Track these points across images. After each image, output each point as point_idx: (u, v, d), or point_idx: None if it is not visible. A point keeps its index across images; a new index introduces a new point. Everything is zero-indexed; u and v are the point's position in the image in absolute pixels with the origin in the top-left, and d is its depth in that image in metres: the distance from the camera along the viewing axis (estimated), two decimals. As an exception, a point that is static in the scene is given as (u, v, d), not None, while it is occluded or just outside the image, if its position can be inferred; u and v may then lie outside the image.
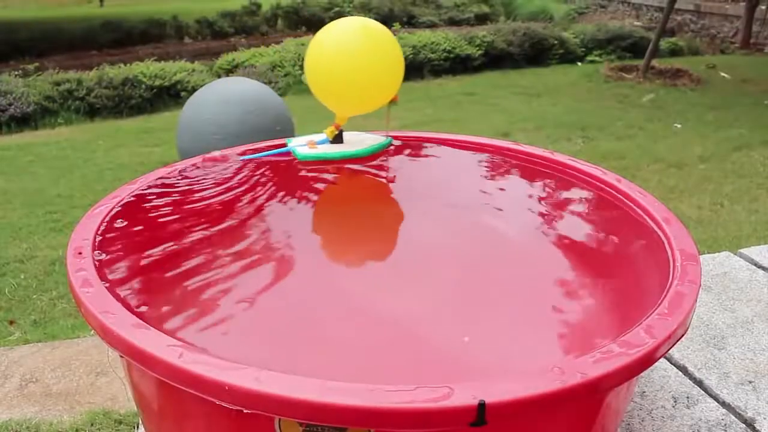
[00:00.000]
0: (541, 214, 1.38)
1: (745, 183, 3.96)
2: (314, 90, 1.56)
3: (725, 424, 1.26)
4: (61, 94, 5.59)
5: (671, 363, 1.46)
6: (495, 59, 7.46)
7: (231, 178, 1.49)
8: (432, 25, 9.69)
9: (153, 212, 1.31)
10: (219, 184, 1.46)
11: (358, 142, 1.62)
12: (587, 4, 11.66)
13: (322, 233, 1.36)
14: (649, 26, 9.55)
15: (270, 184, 1.47)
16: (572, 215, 1.37)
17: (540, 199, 1.45)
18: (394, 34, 1.57)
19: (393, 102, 1.56)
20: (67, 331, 2.31)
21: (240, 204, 1.39)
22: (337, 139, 1.59)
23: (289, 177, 1.53)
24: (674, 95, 6.31)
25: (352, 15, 9.74)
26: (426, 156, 1.70)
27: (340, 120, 1.57)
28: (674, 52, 8.40)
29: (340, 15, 9.83)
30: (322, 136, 1.59)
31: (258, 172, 1.52)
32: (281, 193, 1.43)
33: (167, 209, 1.33)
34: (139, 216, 1.27)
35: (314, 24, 9.66)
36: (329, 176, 1.54)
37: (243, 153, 1.58)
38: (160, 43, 8.63)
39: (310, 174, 1.54)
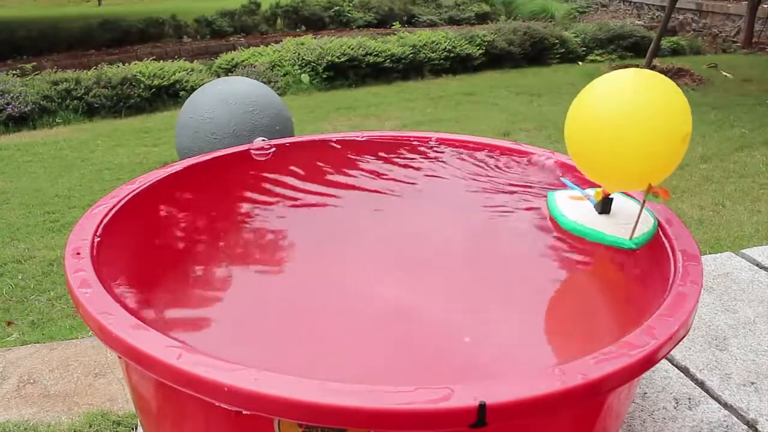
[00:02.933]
0: (542, 214, 1.38)
1: (747, 183, 3.95)
2: (572, 154, 1.29)
3: (727, 426, 1.26)
4: (59, 94, 5.57)
5: (673, 364, 1.46)
6: (495, 59, 7.44)
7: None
8: (432, 25, 9.67)
9: (151, 213, 1.30)
10: (219, 186, 1.45)
11: (619, 218, 1.27)
12: (588, 3, 11.65)
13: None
14: (650, 25, 9.55)
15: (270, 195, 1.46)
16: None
17: (541, 198, 1.44)
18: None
19: (655, 194, 1.20)
20: (65, 331, 2.30)
21: (235, 209, 1.38)
22: (603, 206, 1.29)
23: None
24: (675, 95, 6.29)
25: (352, 15, 9.70)
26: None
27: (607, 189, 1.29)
28: (676, 52, 8.38)
29: (339, 14, 9.78)
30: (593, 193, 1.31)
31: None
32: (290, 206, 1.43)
33: (166, 210, 1.33)
34: (138, 216, 1.26)
35: (314, 23, 9.62)
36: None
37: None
38: (158, 43, 8.61)
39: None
